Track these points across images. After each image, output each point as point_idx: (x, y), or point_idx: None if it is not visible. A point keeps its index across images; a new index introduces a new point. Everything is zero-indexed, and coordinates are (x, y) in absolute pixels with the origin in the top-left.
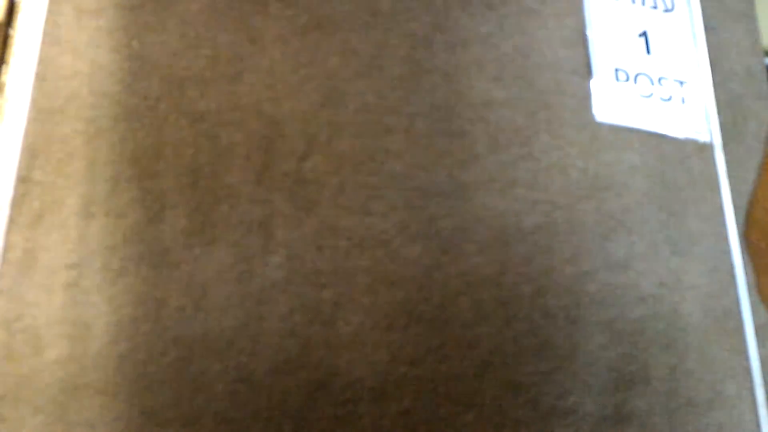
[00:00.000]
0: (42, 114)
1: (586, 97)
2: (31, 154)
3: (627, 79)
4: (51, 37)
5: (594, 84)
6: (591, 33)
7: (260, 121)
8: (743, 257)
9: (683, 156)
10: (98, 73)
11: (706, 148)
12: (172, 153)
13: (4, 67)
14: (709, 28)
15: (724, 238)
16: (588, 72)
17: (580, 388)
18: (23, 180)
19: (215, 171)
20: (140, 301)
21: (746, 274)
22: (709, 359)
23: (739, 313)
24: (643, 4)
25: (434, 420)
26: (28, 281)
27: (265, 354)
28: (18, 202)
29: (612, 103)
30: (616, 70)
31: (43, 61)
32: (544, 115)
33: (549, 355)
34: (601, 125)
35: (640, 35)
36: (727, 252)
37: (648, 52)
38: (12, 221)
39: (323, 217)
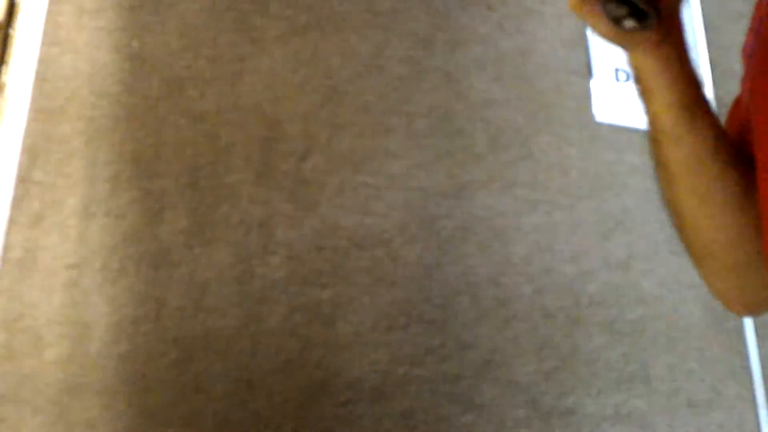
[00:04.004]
0: (42, 114)
1: (586, 97)
2: (31, 154)
3: (627, 79)
4: (51, 37)
5: (594, 84)
6: (591, 33)
7: (260, 121)
8: None
9: None
10: (98, 73)
11: None
12: (172, 153)
13: (4, 67)
14: (709, 28)
15: None
16: (588, 72)
17: (580, 388)
18: (23, 180)
19: (215, 171)
20: (140, 301)
21: None
22: (709, 359)
23: None
24: None
25: (434, 420)
26: (28, 281)
27: (265, 354)
28: (18, 202)
29: (612, 103)
30: (616, 70)
31: (43, 61)
32: (544, 115)
33: (549, 355)
34: (601, 125)
35: None
36: None
37: None
38: (12, 221)
39: (323, 217)
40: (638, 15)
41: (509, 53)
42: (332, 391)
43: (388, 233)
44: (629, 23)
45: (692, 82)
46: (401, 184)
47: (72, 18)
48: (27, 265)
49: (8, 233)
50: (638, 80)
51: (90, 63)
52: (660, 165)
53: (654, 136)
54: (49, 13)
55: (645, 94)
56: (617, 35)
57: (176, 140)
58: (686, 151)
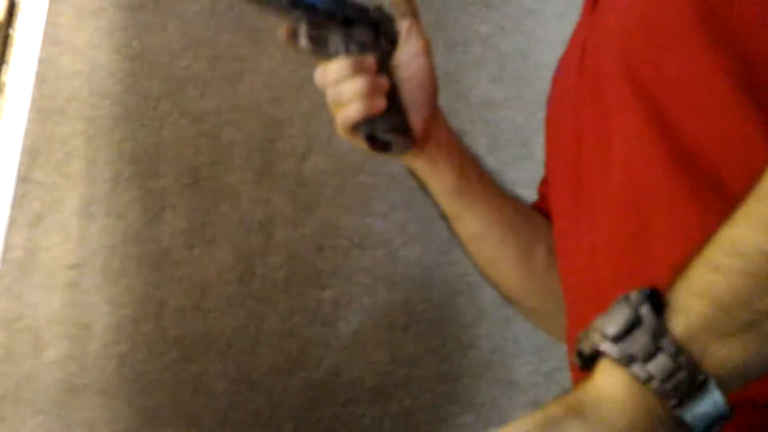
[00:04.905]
0: (42, 114)
1: None
2: (31, 154)
3: None
4: (51, 37)
5: None
6: None
7: (260, 121)
8: None
9: None
10: (98, 73)
11: None
12: (172, 153)
13: (4, 67)
14: None
15: None
16: None
17: None
18: (23, 180)
19: (215, 171)
20: (140, 301)
21: None
22: None
23: None
24: None
25: (434, 420)
26: (28, 281)
27: (265, 354)
28: (18, 202)
29: None
30: None
31: (43, 61)
32: (544, 115)
33: (549, 355)
34: None
35: None
36: None
37: None
38: (12, 221)
39: (323, 217)
40: (385, 147)
41: (509, 53)
42: (332, 391)
43: (388, 233)
44: (384, 153)
45: (463, 169)
46: (401, 184)
47: (72, 18)
48: (27, 265)
49: (8, 233)
50: (411, 173)
51: (90, 63)
52: (453, 233)
53: (439, 212)
54: (49, 13)
55: (420, 183)
56: (384, 155)
57: (176, 140)
58: (466, 227)
